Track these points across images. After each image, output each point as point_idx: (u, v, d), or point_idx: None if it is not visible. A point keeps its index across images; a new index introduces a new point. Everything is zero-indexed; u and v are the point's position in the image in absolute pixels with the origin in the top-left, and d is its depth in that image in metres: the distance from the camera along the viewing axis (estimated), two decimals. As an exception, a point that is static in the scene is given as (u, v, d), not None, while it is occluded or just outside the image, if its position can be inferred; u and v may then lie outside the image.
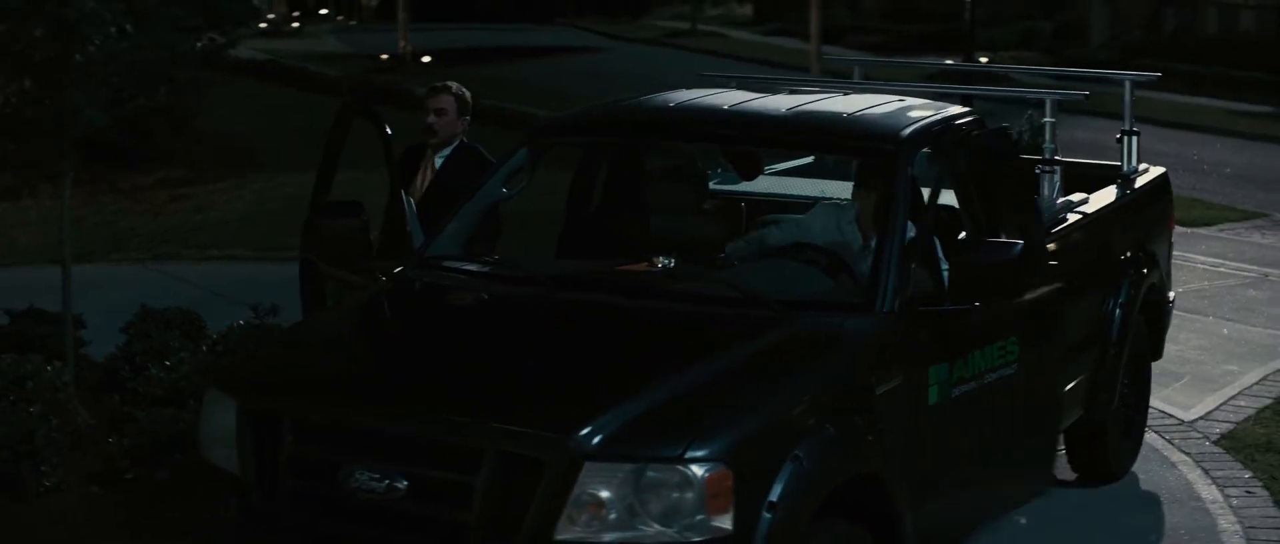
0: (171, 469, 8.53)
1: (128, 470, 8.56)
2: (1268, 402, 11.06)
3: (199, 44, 9.94)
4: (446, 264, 7.39)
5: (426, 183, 9.24)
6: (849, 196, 8.41)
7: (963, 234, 7.50)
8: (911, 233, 6.94)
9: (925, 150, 7.42)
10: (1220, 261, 15.77)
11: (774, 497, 5.72)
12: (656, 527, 5.62)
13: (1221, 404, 11.05)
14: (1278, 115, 29.96)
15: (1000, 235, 7.29)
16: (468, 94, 9.44)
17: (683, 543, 5.62)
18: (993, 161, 7.88)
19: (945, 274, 7.04)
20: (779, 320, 6.52)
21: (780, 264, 7.32)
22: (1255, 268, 15.69)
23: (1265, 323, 13.37)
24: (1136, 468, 9.65)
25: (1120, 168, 9.99)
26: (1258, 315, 13.62)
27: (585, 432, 5.66)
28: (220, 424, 6.35)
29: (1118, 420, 9.25)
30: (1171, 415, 10.65)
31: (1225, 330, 12.92)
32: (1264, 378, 11.66)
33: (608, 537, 5.63)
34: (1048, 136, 9.04)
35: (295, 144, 22.02)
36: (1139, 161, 10.05)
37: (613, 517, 5.62)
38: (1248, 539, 8.63)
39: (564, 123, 8.11)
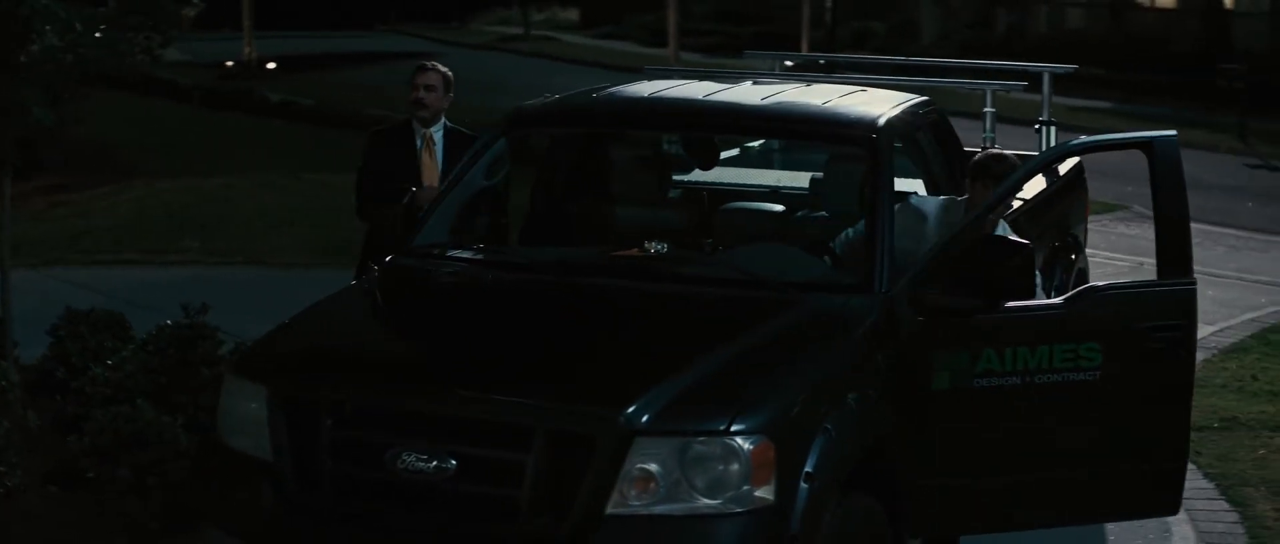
0: (133, 468, 8.50)
1: (89, 470, 8.51)
2: (1173, 382, 11.42)
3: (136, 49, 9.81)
4: (437, 253, 7.47)
5: (436, 165, 9.50)
6: (802, 185, 8.62)
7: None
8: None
9: (897, 140, 7.63)
10: (1094, 252, 16.13)
11: (809, 468, 5.89)
12: (702, 499, 5.76)
13: (1131, 386, 11.40)
14: (1115, 111, 30.69)
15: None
16: (450, 74, 9.72)
17: (727, 514, 5.76)
18: (950, 149, 8.14)
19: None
20: (790, 301, 6.70)
21: (772, 247, 7.50)
22: (1128, 257, 16.13)
23: (1151, 308, 13.76)
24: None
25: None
26: (1142, 301, 13.99)
27: (634, 408, 5.79)
28: (244, 412, 6.37)
29: None
30: (1090, 399, 10.95)
31: (1117, 316, 13.26)
32: (1164, 361, 12.03)
33: (656, 510, 5.76)
34: (987, 126, 9.31)
35: (161, 150, 21.91)
36: None
37: (661, 490, 5.76)
38: (1185, 508, 8.95)
39: (542, 113, 8.18)
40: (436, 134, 9.57)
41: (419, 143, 9.56)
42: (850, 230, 7.71)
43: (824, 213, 8.20)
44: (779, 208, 8.48)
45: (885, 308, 6.74)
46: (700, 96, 7.96)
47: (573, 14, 54.86)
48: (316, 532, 6.10)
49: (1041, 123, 10.34)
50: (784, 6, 43.97)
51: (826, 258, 7.61)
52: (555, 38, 48.85)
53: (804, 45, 34.80)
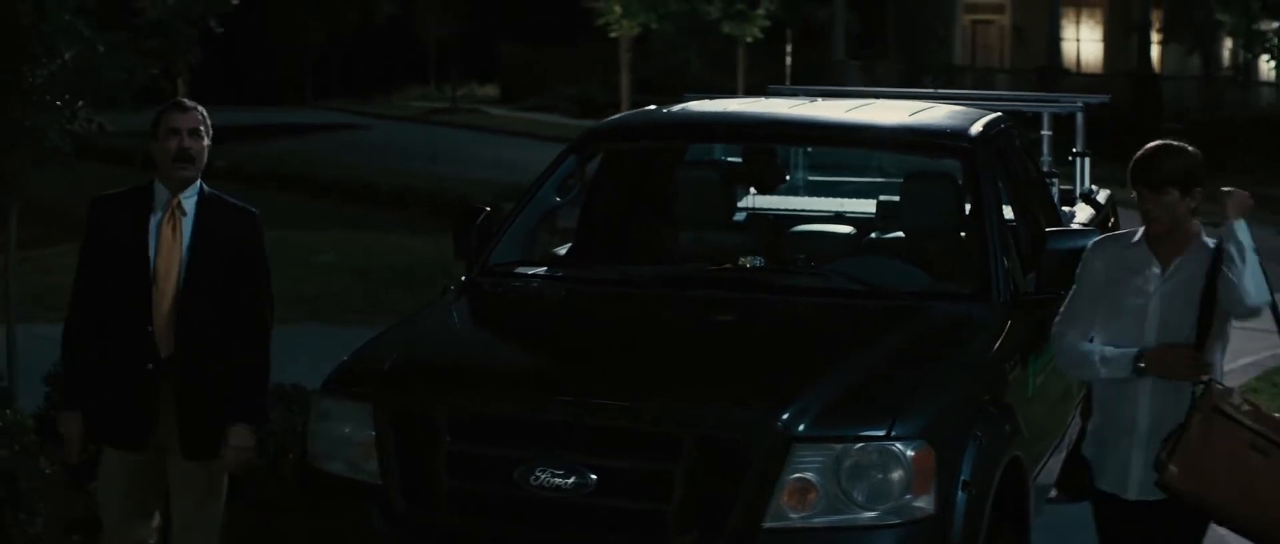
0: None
1: (118, 518, 8.03)
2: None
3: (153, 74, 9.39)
4: (518, 271, 7.10)
5: (180, 244, 6.53)
6: (865, 210, 8.35)
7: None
8: None
9: (991, 150, 7.39)
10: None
11: (965, 476, 5.58)
12: (861, 511, 5.43)
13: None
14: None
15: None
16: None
17: (887, 526, 5.43)
18: (1027, 164, 7.91)
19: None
20: (915, 309, 6.43)
21: (873, 260, 7.19)
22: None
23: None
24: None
25: (1074, 189, 10.07)
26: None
27: (791, 413, 5.46)
28: (340, 434, 5.98)
29: None
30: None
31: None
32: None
33: (815, 522, 5.42)
34: (1045, 149, 9.08)
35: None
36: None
37: (819, 501, 5.41)
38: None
39: (616, 128, 7.81)
40: (188, 202, 6.50)
41: (160, 214, 6.53)
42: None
43: (899, 233, 7.87)
44: (850, 229, 8.17)
45: (1005, 316, 6.50)
46: (784, 111, 7.66)
47: (491, 89, 54.84)
48: None
49: (1076, 153, 10.17)
50: (713, 76, 44.11)
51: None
52: (482, 110, 48.72)
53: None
